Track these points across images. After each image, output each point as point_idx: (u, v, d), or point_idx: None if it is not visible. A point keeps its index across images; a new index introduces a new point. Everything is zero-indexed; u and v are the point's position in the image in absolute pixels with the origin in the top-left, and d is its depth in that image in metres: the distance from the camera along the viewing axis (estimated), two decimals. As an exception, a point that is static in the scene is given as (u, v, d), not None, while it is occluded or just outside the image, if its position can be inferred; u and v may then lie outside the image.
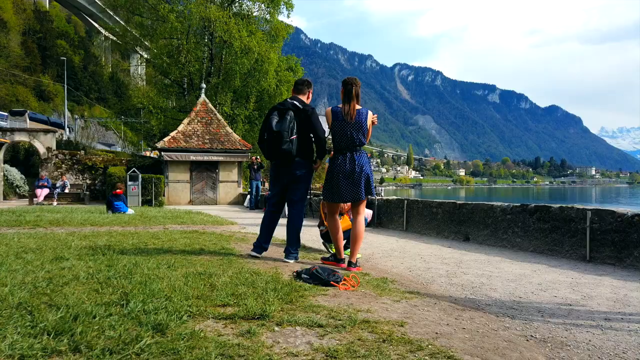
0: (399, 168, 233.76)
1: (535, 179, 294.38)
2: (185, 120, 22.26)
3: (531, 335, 2.63)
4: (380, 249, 6.32)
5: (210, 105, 23.29)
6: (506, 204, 6.82)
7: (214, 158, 21.40)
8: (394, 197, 10.12)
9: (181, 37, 26.29)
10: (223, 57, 27.60)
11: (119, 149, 46.21)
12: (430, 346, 2.26)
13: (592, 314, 3.11)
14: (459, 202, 7.87)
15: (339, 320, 2.60)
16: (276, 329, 2.42)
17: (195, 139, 21.51)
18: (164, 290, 3.02)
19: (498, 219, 6.74)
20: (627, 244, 4.96)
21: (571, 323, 2.90)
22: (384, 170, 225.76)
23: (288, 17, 29.98)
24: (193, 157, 21.06)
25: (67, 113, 46.04)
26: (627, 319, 3.01)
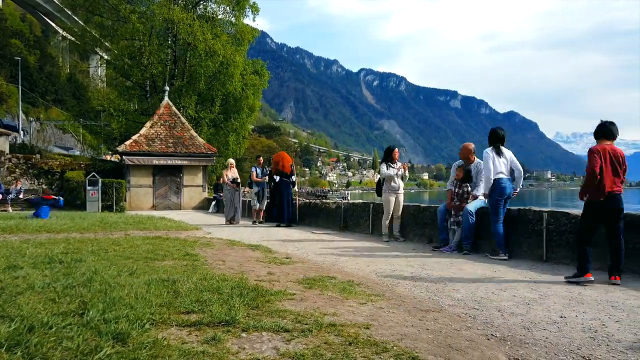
0: (364, 172, 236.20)
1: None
2: (148, 124, 21.74)
3: (492, 334, 2.71)
4: (346, 253, 6.37)
5: (173, 108, 22.84)
6: (468, 206, 6.99)
7: (178, 162, 20.98)
8: (360, 201, 10.22)
9: (143, 38, 25.66)
10: (187, 59, 27.14)
11: (77, 153, 44.56)
12: (395, 347, 2.29)
13: (549, 312, 3.23)
14: (422, 205, 8.03)
15: (306, 324, 2.60)
16: (242, 334, 2.40)
17: (159, 142, 21.02)
18: (125, 299, 2.94)
19: (460, 222, 6.90)
20: (581, 244, 5.18)
21: (529, 321, 3.01)
22: (350, 174, 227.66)
23: (254, 20, 30.00)
24: (156, 161, 20.57)
25: (21, 115, 43.99)
26: (581, 316, 3.15)
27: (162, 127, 21.71)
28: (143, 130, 21.32)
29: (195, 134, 22.34)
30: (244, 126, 30.55)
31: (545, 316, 3.13)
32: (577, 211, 5.44)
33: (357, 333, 2.49)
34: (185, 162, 21.13)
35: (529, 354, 2.38)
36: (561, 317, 3.12)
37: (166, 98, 22.75)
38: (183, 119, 22.76)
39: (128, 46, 26.51)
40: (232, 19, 28.59)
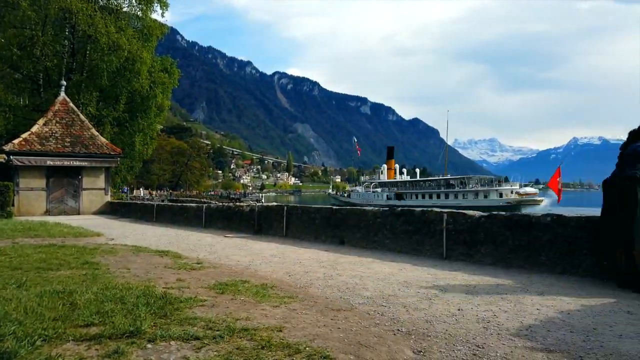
0: (279, 175, 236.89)
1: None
2: (41, 121, 19.81)
3: (398, 329, 2.85)
4: (260, 256, 6.32)
5: (71, 104, 21.06)
6: (376, 208, 7.33)
7: (76, 163, 19.37)
8: (274, 204, 10.22)
9: (35, 27, 23.34)
10: (88, 53, 25.17)
11: (-48, 152, 39.22)
12: (307, 348, 2.32)
13: (449, 306, 3.49)
14: (335, 207, 8.24)
15: (217, 330, 2.54)
16: (148, 346, 2.28)
17: (54, 141, 19.24)
18: (12, 314, 2.65)
19: (370, 223, 7.21)
20: (475, 242, 5.67)
21: (431, 315, 3.22)
22: (264, 176, 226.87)
23: (162, 16, 28.50)
24: (50, 162, 18.80)
25: None
26: (475, 308, 3.43)
27: (57, 125, 19.91)
28: (35, 128, 19.40)
29: (96, 133, 20.80)
30: (152, 126, 29.11)
31: (445, 310, 3.37)
32: (472, 212, 5.94)
33: (270, 336, 2.48)
34: (84, 164, 19.58)
35: (430, 346, 2.55)
36: (459, 310, 3.38)
37: (62, 93, 20.92)
38: (82, 117, 21.08)
39: (17, 35, 23.92)
40: (139, 12, 27.06)
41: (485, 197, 42.85)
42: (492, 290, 4.08)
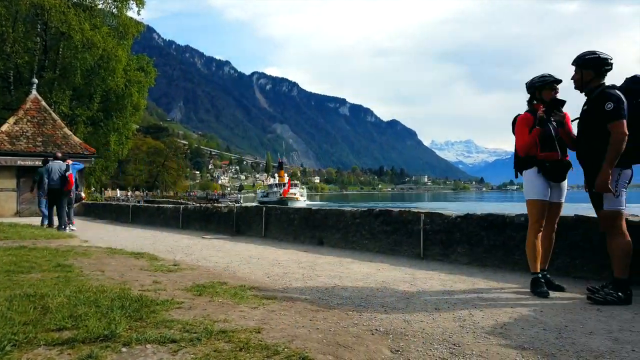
0: (257, 175, 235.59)
1: (380, 186, 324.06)
2: (11, 120, 19.23)
3: (376, 329, 2.87)
4: (238, 257, 6.28)
5: (43, 103, 20.50)
6: (355, 209, 7.36)
7: (49, 163, 18.87)
8: (253, 205, 10.17)
9: (6, 23, 22.69)
10: (61, 50, 24.58)
11: None
12: (286, 349, 2.32)
13: (426, 305, 3.53)
14: (313, 207, 8.25)
15: (194, 333, 2.51)
16: (123, 349, 2.24)
17: (25, 141, 18.70)
18: (-21, 319, 2.56)
19: (348, 223, 7.24)
20: (452, 242, 5.75)
21: (409, 314, 3.25)
22: (243, 177, 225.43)
23: (138, 14, 28.27)
24: (21, 161, 18.26)
25: None
26: (452, 307, 3.48)
27: (28, 123, 19.36)
28: (5, 127, 18.84)
29: (69, 133, 20.30)
30: (127, 125, 28.65)
31: (423, 309, 3.41)
32: (449, 212, 6.03)
33: (249, 338, 2.47)
34: (57, 164, 19.08)
35: (408, 345, 2.57)
36: (436, 309, 3.42)
37: (34, 91, 20.36)
38: (55, 116, 20.55)
39: (-14, 30, 23.24)
40: (114, 10, 26.61)
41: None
42: (469, 289, 4.15)
